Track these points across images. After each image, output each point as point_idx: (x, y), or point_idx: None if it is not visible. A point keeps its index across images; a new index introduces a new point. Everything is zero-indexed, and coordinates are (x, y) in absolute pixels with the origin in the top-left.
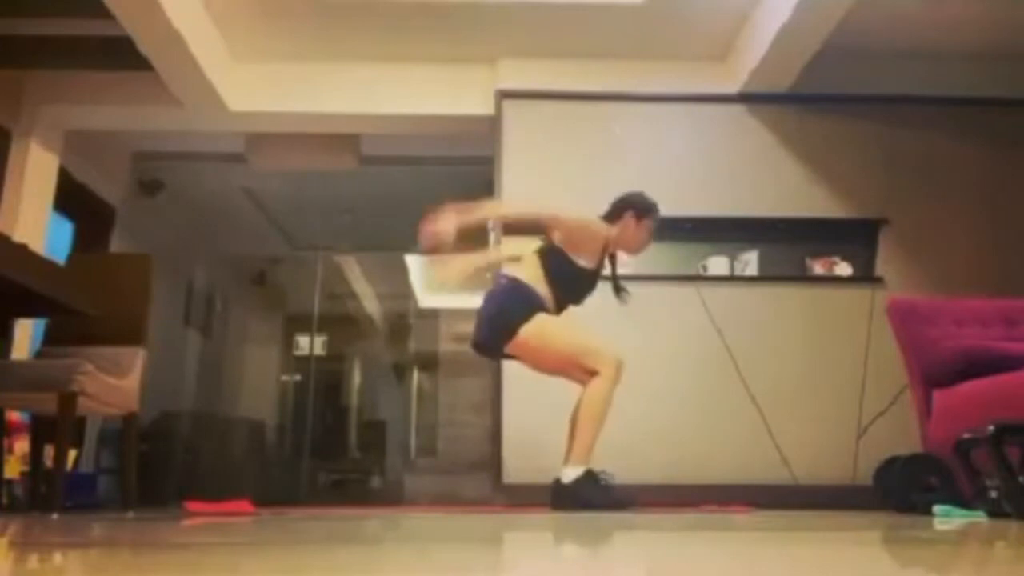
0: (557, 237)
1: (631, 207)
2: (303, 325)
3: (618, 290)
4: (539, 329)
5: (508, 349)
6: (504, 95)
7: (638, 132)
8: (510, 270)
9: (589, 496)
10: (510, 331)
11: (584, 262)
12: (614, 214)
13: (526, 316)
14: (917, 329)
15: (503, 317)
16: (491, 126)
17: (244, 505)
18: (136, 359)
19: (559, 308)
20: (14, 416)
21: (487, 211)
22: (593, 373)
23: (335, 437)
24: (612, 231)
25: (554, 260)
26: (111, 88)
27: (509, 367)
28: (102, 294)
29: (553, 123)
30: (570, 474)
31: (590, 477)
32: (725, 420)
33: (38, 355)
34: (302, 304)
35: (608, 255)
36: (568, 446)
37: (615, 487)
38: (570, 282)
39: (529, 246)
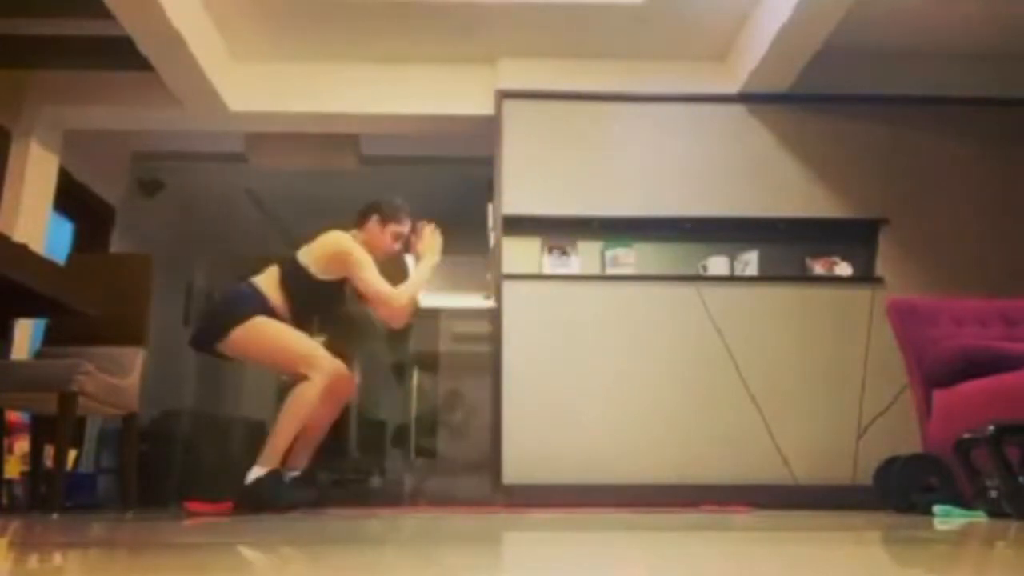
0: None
1: (376, 212)
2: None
3: None
4: (252, 331)
5: (220, 347)
6: (504, 95)
7: (638, 132)
8: (255, 278)
9: (269, 496)
10: (223, 330)
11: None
12: (360, 219)
13: (240, 319)
14: (917, 329)
15: (218, 319)
16: (491, 126)
17: None
18: (136, 359)
19: (296, 317)
20: (14, 416)
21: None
22: (304, 378)
23: (335, 437)
24: (359, 235)
25: (291, 272)
26: (111, 88)
27: (509, 367)
28: (102, 294)
29: (553, 123)
30: (253, 474)
31: (273, 477)
32: (725, 420)
33: (38, 355)
34: None
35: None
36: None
37: (303, 485)
38: (306, 293)
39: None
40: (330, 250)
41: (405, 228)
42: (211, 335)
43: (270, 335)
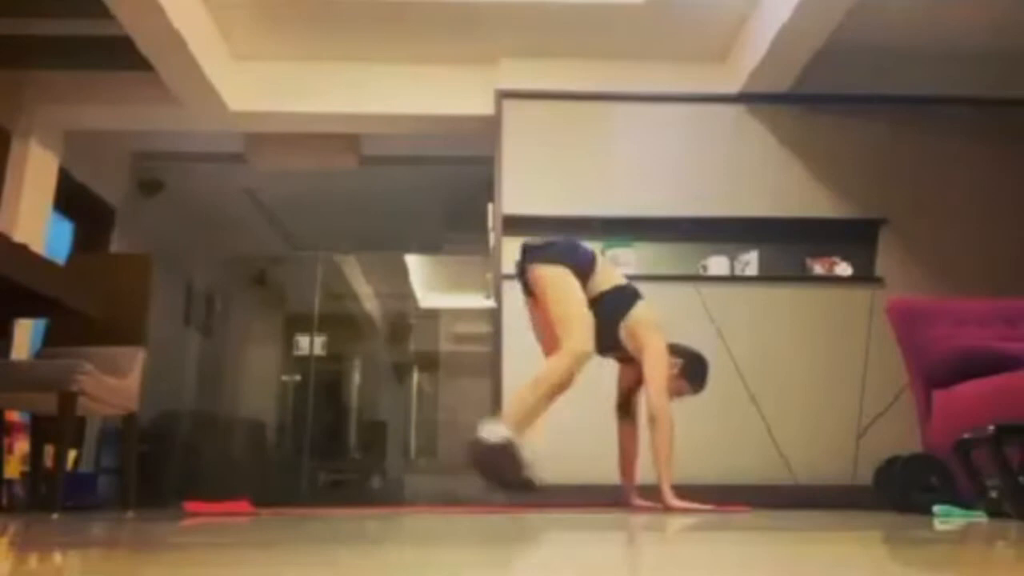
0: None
1: (684, 359)
2: (303, 325)
3: None
4: (561, 280)
5: (531, 272)
6: (504, 95)
7: (638, 132)
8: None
9: (512, 466)
10: (551, 261)
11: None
12: (674, 352)
13: (566, 262)
14: (917, 329)
15: (554, 250)
16: (491, 126)
17: (243, 505)
18: (136, 359)
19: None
20: (14, 416)
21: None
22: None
23: (335, 437)
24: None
25: (615, 297)
26: (111, 88)
27: (509, 368)
28: (102, 294)
29: (553, 123)
30: (497, 433)
31: (515, 446)
32: (725, 420)
33: (38, 355)
34: (302, 304)
35: None
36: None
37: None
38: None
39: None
40: (652, 340)
41: (695, 393)
42: (542, 256)
43: (571, 291)
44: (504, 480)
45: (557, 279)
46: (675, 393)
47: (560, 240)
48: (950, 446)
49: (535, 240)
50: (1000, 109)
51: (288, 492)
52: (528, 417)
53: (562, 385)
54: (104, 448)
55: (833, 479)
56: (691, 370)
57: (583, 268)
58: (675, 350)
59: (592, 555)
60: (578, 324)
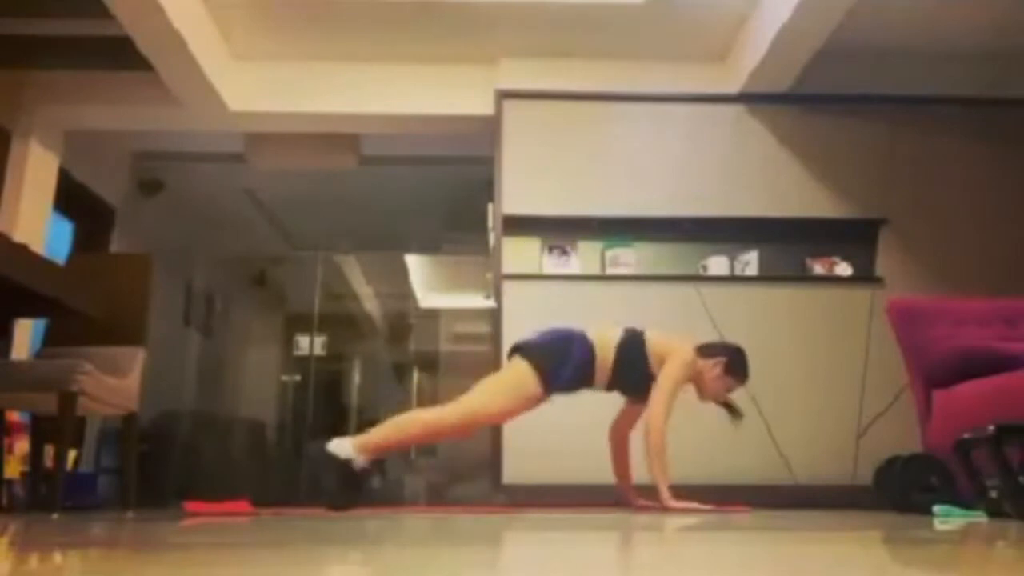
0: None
1: (726, 357)
2: (303, 325)
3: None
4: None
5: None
6: (504, 95)
7: (638, 132)
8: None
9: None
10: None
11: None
12: (707, 350)
13: (522, 351)
14: (917, 329)
15: (528, 340)
16: (491, 126)
17: (243, 505)
18: (136, 359)
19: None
20: (14, 416)
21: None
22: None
23: (335, 437)
24: (697, 361)
25: (630, 343)
26: (111, 88)
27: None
28: (102, 294)
29: (553, 123)
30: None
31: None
32: (725, 420)
33: (38, 355)
34: (302, 304)
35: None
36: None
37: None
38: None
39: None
40: (675, 350)
41: (738, 386)
42: (521, 348)
43: (512, 377)
44: (327, 488)
45: (512, 366)
46: (724, 390)
47: (551, 339)
48: (950, 446)
49: (532, 337)
50: (1000, 109)
51: (288, 492)
52: (388, 448)
53: (438, 435)
54: (104, 448)
55: (833, 479)
56: (734, 364)
57: (552, 371)
58: (712, 350)
59: (591, 555)
60: (491, 393)
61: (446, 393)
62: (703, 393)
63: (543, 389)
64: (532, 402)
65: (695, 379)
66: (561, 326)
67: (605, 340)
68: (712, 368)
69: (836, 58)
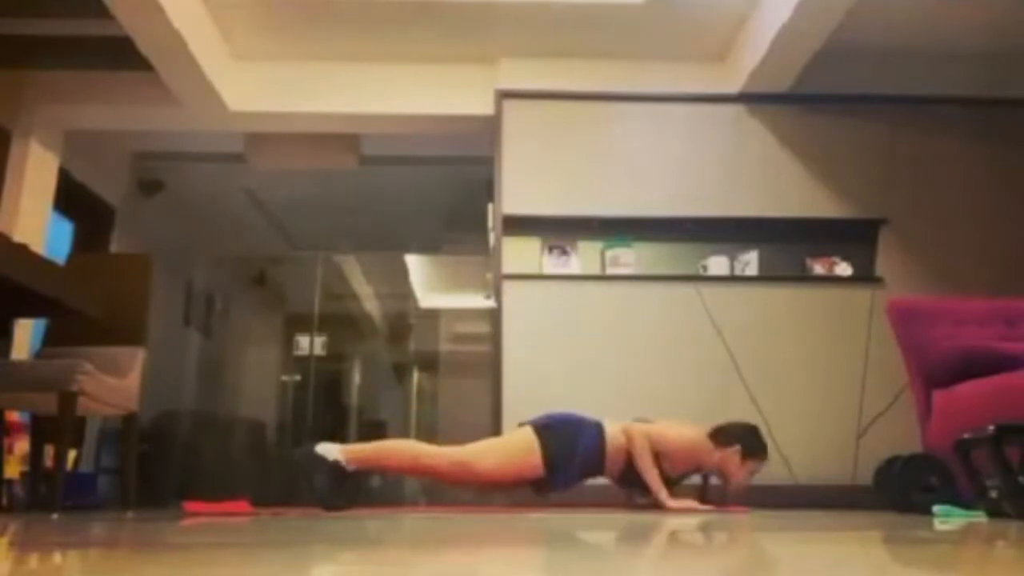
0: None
1: (739, 444)
2: (303, 325)
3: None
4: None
5: None
6: (504, 95)
7: (638, 132)
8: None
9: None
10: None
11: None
12: (719, 438)
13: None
14: (917, 329)
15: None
16: (491, 126)
17: (243, 505)
18: (136, 359)
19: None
20: (14, 416)
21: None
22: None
23: (335, 437)
24: (714, 453)
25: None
26: (111, 88)
27: (509, 368)
28: (102, 294)
29: (553, 123)
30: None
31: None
32: (725, 420)
33: (38, 355)
34: (302, 304)
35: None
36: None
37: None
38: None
39: None
40: (688, 443)
41: (762, 466)
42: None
43: (518, 442)
44: (310, 485)
45: (518, 432)
46: (750, 475)
47: (563, 422)
48: (950, 446)
49: (543, 417)
50: (1000, 109)
51: (288, 492)
52: (375, 465)
53: (426, 472)
54: (104, 448)
55: (833, 479)
56: (750, 448)
57: (557, 449)
58: (727, 437)
59: (591, 554)
60: (491, 451)
61: (446, 393)
62: (729, 483)
63: (544, 469)
64: (527, 471)
65: (719, 471)
66: (574, 413)
67: (615, 432)
68: (732, 457)
69: (836, 58)
